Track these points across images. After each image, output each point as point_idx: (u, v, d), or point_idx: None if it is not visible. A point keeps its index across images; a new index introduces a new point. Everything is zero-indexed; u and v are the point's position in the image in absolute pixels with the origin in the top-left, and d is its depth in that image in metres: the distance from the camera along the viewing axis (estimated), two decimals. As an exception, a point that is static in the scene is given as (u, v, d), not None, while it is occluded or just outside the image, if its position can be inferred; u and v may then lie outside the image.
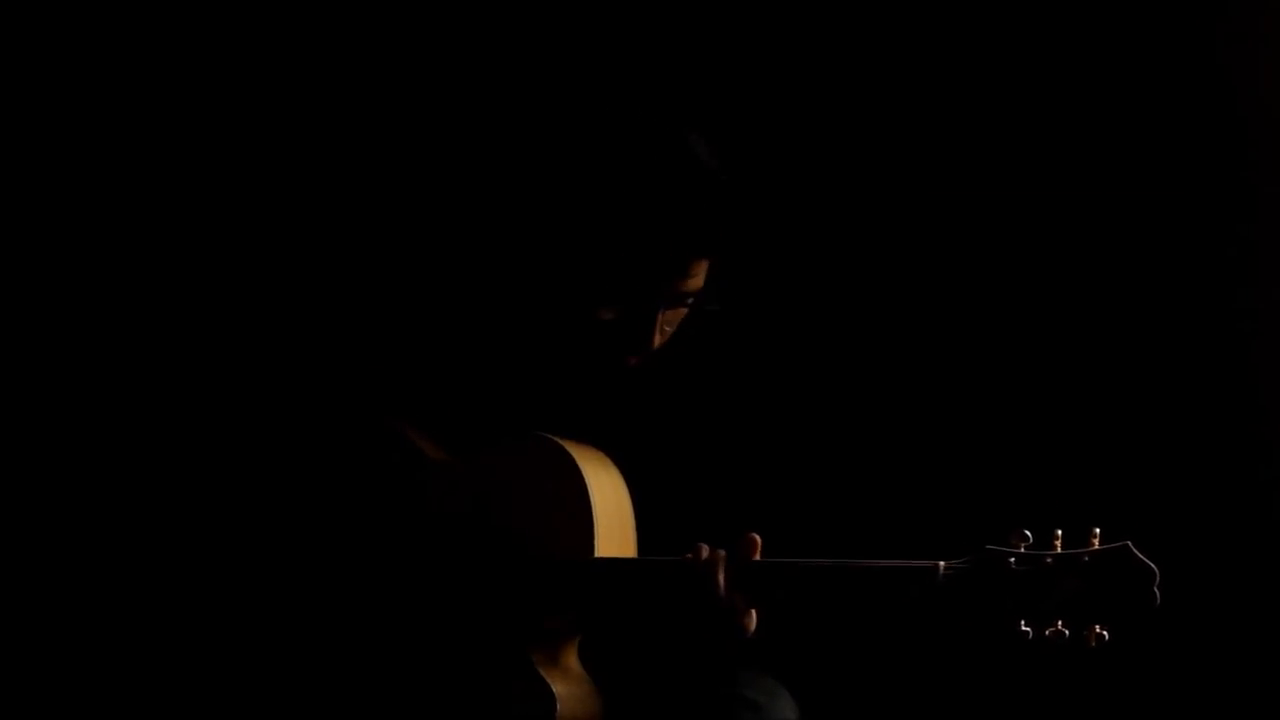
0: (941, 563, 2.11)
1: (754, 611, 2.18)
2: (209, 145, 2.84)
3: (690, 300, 2.33)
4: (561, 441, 2.30)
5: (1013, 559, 2.09)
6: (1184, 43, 2.76)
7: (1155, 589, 2.05)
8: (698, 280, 2.31)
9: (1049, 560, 2.08)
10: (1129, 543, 2.07)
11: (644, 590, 2.22)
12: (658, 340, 2.32)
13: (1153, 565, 2.05)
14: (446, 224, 2.81)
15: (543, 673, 2.25)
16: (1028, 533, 2.10)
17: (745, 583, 2.17)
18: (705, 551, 2.19)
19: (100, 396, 2.80)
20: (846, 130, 2.82)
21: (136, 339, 2.81)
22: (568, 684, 2.28)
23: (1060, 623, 2.07)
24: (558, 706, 2.23)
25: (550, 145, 2.46)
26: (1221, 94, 2.75)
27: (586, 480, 2.26)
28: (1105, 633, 2.06)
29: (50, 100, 2.83)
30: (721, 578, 2.17)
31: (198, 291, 2.82)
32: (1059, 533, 2.09)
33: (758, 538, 2.18)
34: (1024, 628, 2.08)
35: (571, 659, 2.31)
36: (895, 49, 2.82)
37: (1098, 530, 2.08)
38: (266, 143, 2.85)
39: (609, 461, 2.33)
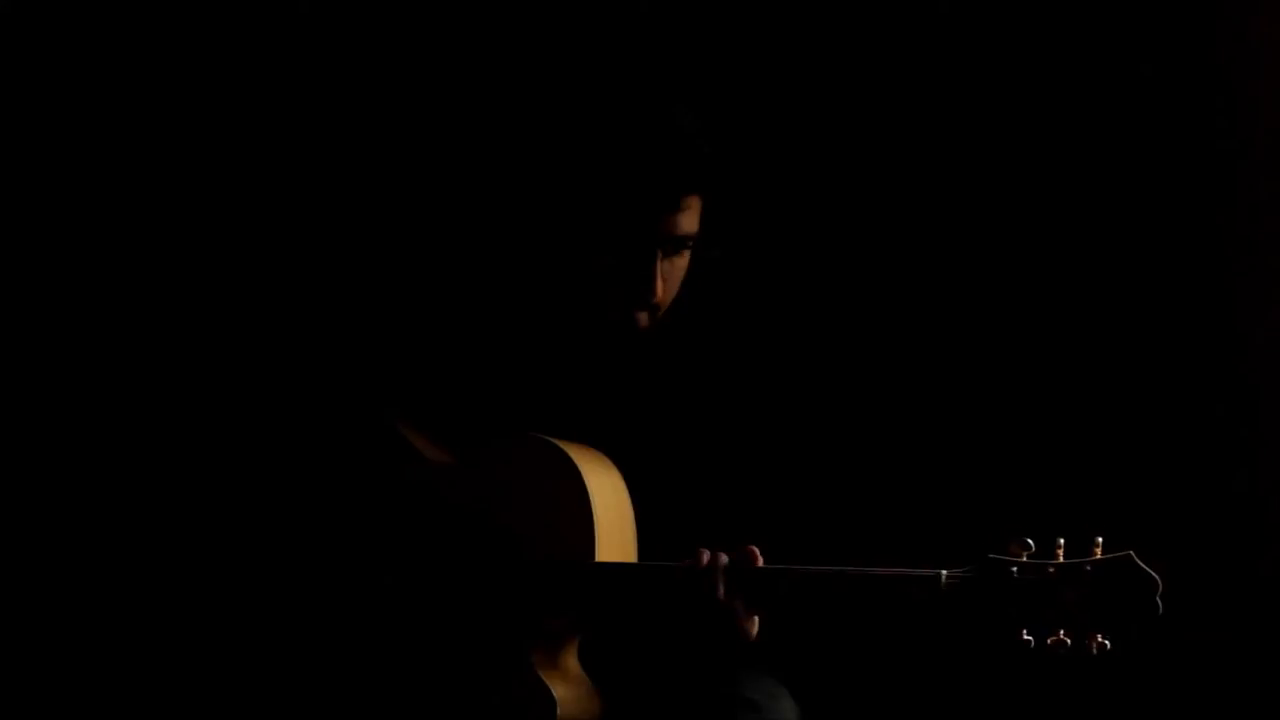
0: (944, 571, 2.11)
1: (756, 617, 2.18)
2: (200, 145, 2.84)
3: (688, 243, 2.33)
4: (561, 443, 2.29)
5: (1015, 568, 2.09)
6: (1179, 40, 2.76)
7: (1158, 599, 2.05)
8: (690, 219, 2.31)
9: (1051, 569, 2.08)
10: (1131, 552, 2.07)
11: (644, 594, 2.22)
12: (660, 291, 2.31)
13: (1155, 575, 2.06)
14: (438, 202, 2.81)
15: (542, 674, 2.25)
16: (1030, 542, 2.10)
17: (746, 588, 2.17)
18: (705, 557, 2.19)
19: (103, 395, 2.79)
20: (844, 126, 2.82)
21: (140, 339, 2.81)
22: (568, 685, 2.28)
23: (1062, 632, 2.07)
24: (558, 708, 2.23)
25: (531, 91, 2.46)
26: (1217, 95, 2.75)
27: (586, 482, 2.26)
28: (1107, 642, 2.06)
29: (49, 99, 2.83)
30: (722, 583, 2.17)
31: (196, 292, 2.81)
32: (1061, 542, 2.09)
33: (756, 550, 2.19)
34: (1026, 637, 2.08)
35: (571, 660, 2.31)
36: (894, 36, 2.81)
37: (1100, 539, 2.08)
38: (252, 136, 2.84)
39: (609, 463, 2.33)
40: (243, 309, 2.80)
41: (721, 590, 2.17)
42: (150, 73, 2.82)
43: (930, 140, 2.80)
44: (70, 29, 2.81)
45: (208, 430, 2.69)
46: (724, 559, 2.19)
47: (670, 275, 2.34)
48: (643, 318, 2.34)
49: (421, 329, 2.50)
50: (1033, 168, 2.77)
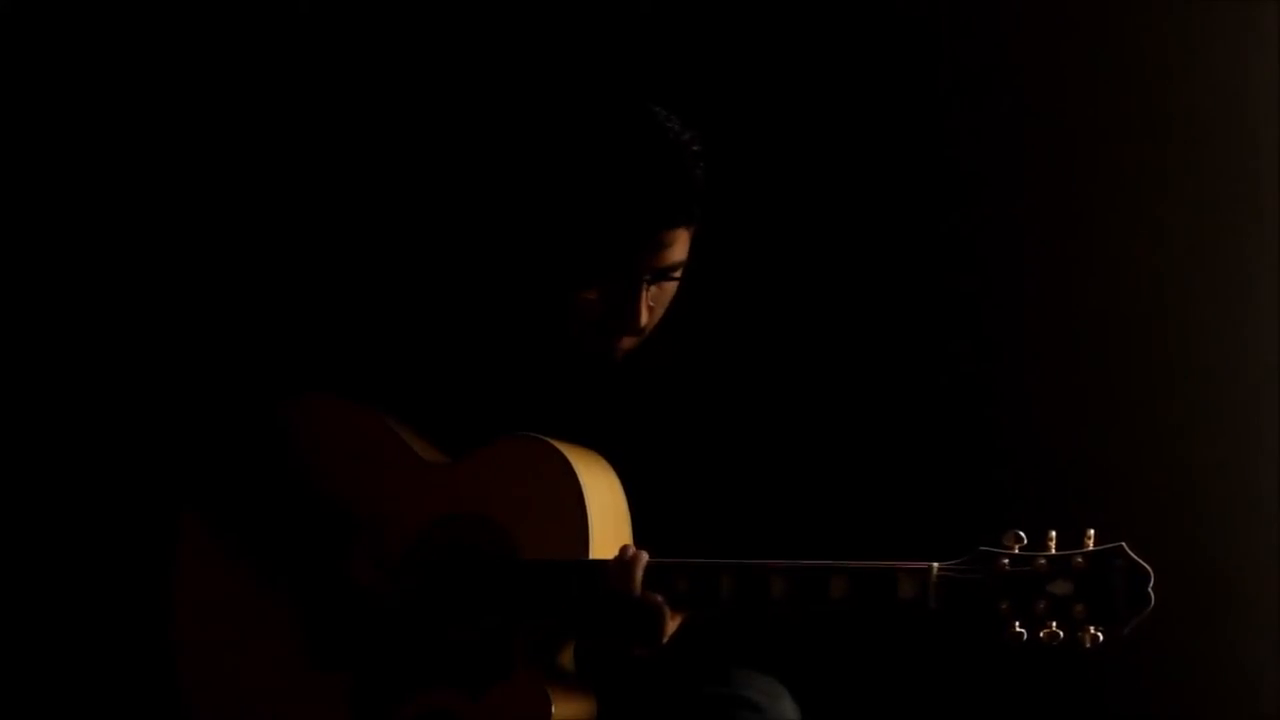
0: (935, 564, 2.10)
1: (676, 617, 2.18)
2: (192, 150, 2.85)
3: (675, 274, 2.31)
4: (556, 443, 2.29)
5: (1006, 560, 2.08)
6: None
7: (1150, 590, 2.03)
8: (677, 252, 2.29)
9: (1043, 561, 2.07)
10: (1123, 544, 2.05)
11: (577, 589, 2.22)
12: (645, 318, 2.30)
13: (1147, 566, 2.04)
14: (428, 214, 2.83)
15: (537, 674, 2.24)
16: (1021, 534, 2.09)
17: (661, 585, 2.17)
18: (629, 552, 2.19)
19: (99, 396, 2.81)
20: (838, 126, 2.82)
21: (137, 337, 2.82)
22: (563, 685, 2.27)
23: (1054, 624, 2.05)
24: (552, 709, 2.23)
25: (518, 118, 2.45)
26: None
27: (581, 481, 2.26)
28: (1100, 634, 2.04)
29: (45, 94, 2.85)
30: (638, 577, 2.16)
31: (192, 292, 2.83)
32: (1053, 534, 2.08)
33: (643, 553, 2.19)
34: (1018, 629, 2.07)
35: (566, 660, 2.30)
36: (867, 29, 2.82)
37: (1092, 531, 2.07)
38: (256, 150, 2.86)
39: (604, 462, 2.33)
40: (240, 311, 2.81)
41: (637, 584, 2.17)
42: (127, 66, 2.84)
43: (923, 135, 2.81)
44: (68, 26, 2.84)
45: (202, 431, 2.69)
46: (645, 556, 2.18)
47: (658, 300, 2.33)
48: (627, 343, 2.33)
49: (414, 330, 2.50)
50: (1023, 162, 2.77)
